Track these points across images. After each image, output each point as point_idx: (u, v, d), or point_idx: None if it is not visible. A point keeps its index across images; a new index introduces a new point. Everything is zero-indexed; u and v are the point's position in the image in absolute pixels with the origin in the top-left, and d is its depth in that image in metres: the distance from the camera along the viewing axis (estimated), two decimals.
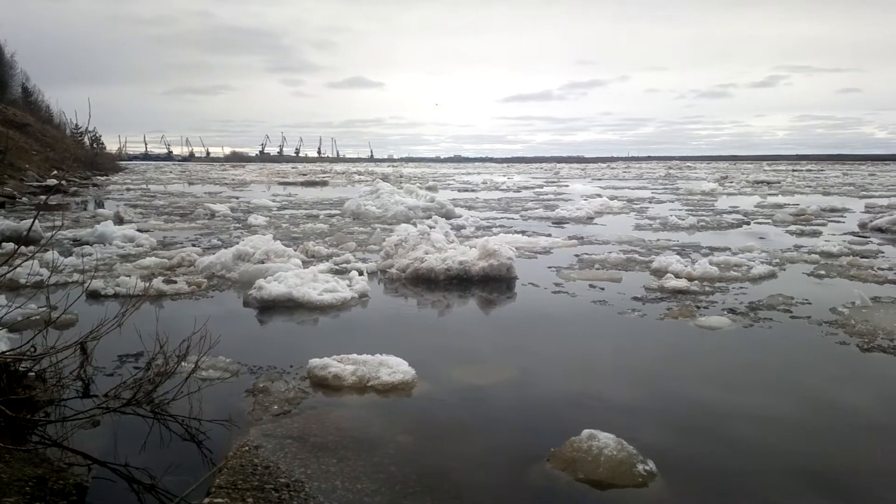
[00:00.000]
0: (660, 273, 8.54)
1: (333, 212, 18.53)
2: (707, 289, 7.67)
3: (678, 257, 9.18)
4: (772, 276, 8.56)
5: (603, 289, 7.84)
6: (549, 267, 9.39)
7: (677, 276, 8.14)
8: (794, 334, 5.88)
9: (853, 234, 13.50)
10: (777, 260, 9.67)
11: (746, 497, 3.13)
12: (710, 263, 8.66)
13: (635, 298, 7.25)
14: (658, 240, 12.37)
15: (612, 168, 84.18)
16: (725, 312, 6.53)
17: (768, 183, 37.31)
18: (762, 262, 9.10)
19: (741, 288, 7.80)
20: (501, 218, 17.34)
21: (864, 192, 28.81)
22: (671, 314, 6.54)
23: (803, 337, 5.79)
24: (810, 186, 33.92)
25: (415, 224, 10.31)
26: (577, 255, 10.37)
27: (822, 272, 8.81)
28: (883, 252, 10.71)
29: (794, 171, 66.11)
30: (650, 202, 23.15)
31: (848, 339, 5.61)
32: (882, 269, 8.88)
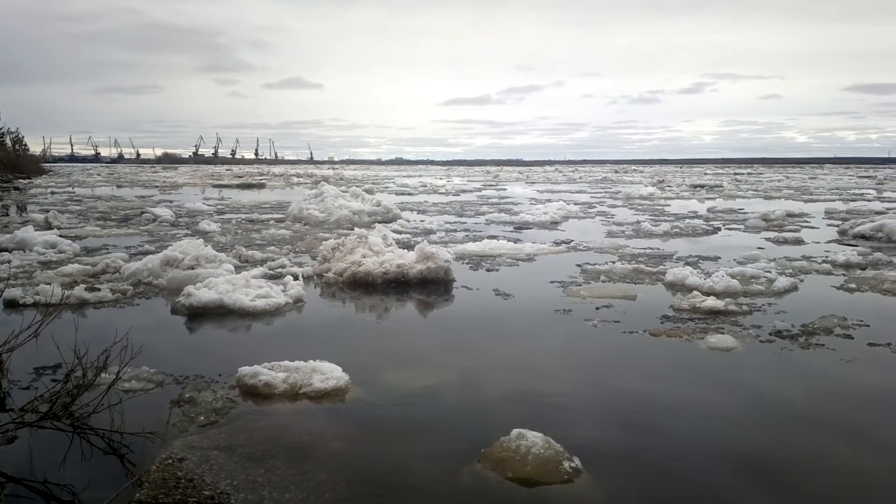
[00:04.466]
0: (676, 287, 7.83)
1: (275, 216, 18.04)
2: (744, 308, 6.83)
3: (691, 269, 8.40)
4: (794, 288, 7.97)
5: (609, 307, 6.99)
6: (552, 281, 8.41)
7: (700, 290, 7.35)
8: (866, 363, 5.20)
9: (837, 241, 13.02)
10: (790, 270, 9.06)
11: (665, 489, 3.26)
12: (730, 276, 7.86)
13: (666, 318, 6.50)
14: (646, 248, 11.67)
15: (559, 171, 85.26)
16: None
17: (707, 187, 37.80)
18: (780, 274, 8.42)
19: (772, 304, 7.12)
20: (456, 222, 16.91)
21: (807, 196, 28.76)
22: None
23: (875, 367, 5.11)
24: (753, 191, 34.18)
25: (395, 229, 10.06)
26: (578, 266, 9.48)
27: (853, 286, 8.11)
28: (893, 262, 9.87)
29: (735, 174, 67.98)
30: (600, 205, 23.10)
31: None
32: None
